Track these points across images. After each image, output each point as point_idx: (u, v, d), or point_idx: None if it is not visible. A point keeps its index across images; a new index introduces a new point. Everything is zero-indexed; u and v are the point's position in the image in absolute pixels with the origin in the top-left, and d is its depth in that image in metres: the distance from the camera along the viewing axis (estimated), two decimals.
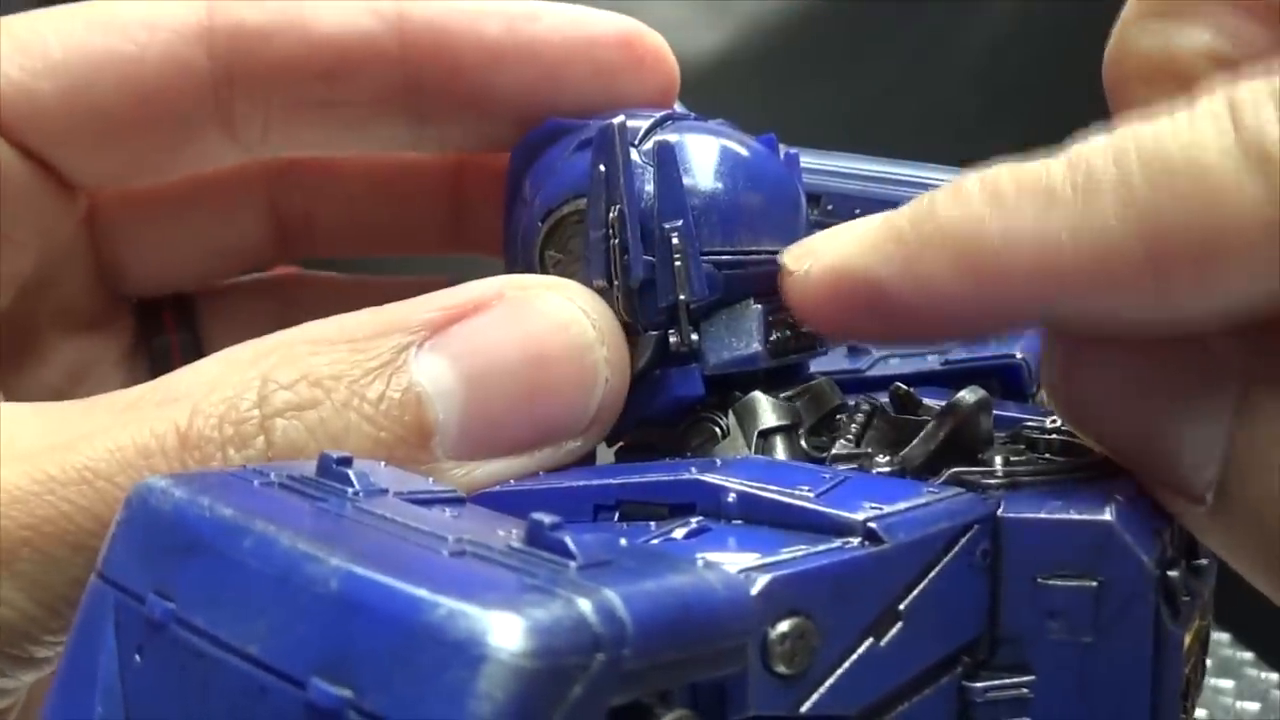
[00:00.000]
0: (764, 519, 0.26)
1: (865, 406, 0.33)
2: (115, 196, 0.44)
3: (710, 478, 0.27)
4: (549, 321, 0.31)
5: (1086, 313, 0.26)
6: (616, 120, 0.32)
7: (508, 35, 0.39)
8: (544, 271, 0.35)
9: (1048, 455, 0.32)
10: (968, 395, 0.32)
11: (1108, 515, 0.27)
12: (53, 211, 0.41)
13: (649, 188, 0.32)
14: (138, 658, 0.21)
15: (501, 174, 0.39)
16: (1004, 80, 0.86)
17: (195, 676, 0.20)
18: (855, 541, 0.24)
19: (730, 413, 0.33)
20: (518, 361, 0.30)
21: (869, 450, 0.32)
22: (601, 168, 0.32)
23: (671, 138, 0.33)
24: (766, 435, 0.33)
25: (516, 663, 0.16)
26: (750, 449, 0.32)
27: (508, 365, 0.30)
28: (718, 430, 0.33)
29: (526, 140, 0.38)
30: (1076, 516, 0.27)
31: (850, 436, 0.32)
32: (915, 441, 0.31)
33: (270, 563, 0.20)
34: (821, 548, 0.24)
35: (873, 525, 0.25)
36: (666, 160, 0.32)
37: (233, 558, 0.20)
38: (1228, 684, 0.63)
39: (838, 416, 0.34)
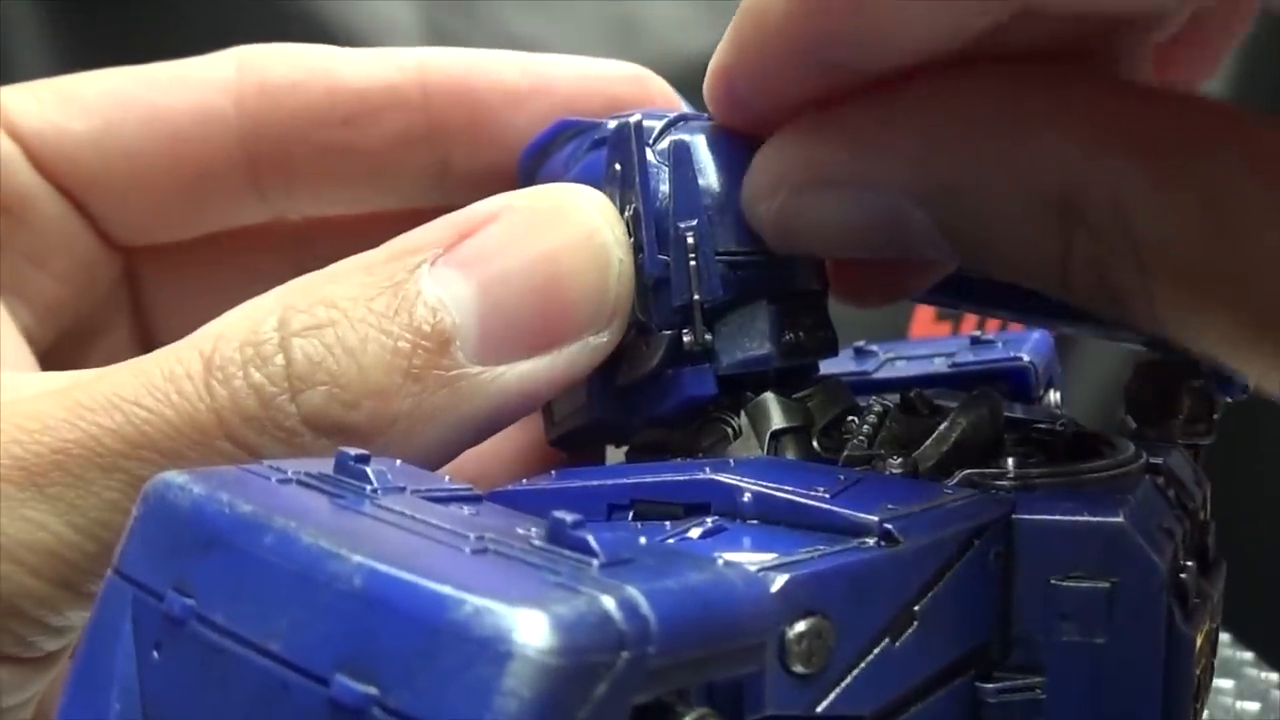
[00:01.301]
0: (779, 519, 0.26)
1: (877, 408, 0.33)
2: (152, 257, 0.45)
3: (725, 478, 0.27)
4: (554, 216, 0.32)
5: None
6: (633, 119, 0.32)
7: (524, 77, 0.41)
8: None
9: (1059, 458, 0.33)
10: (980, 397, 0.32)
11: (1120, 517, 0.27)
12: (89, 252, 0.42)
13: (664, 187, 0.32)
14: (155, 654, 0.21)
15: None
16: None
17: (215, 673, 0.20)
18: (871, 542, 0.25)
19: (743, 413, 0.33)
20: (528, 259, 0.31)
21: (882, 451, 0.32)
22: (617, 166, 0.32)
23: (686, 137, 0.33)
24: (778, 436, 0.33)
25: (542, 660, 0.16)
26: (763, 450, 0.32)
27: (519, 264, 0.31)
28: (730, 431, 0.33)
29: (537, 141, 0.38)
30: (1089, 518, 0.27)
31: (863, 438, 0.32)
32: (928, 443, 0.31)
33: (291, 559, 0.19)
34: (838, 548, 0.24)
35: (888, 526, 0.25)
36: (682, 160, 0.32)
37: (253, 554, 0.20)
38: (1228, 684, 0.63)
39: (849, 418, 0.34)
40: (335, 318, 0.30)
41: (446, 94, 0.40)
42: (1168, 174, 0.25)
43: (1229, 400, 0.37)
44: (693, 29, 0.87)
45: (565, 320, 0.31)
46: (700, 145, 0.33)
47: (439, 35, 0.88)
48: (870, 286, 0.37)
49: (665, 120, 0.34)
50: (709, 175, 0.33)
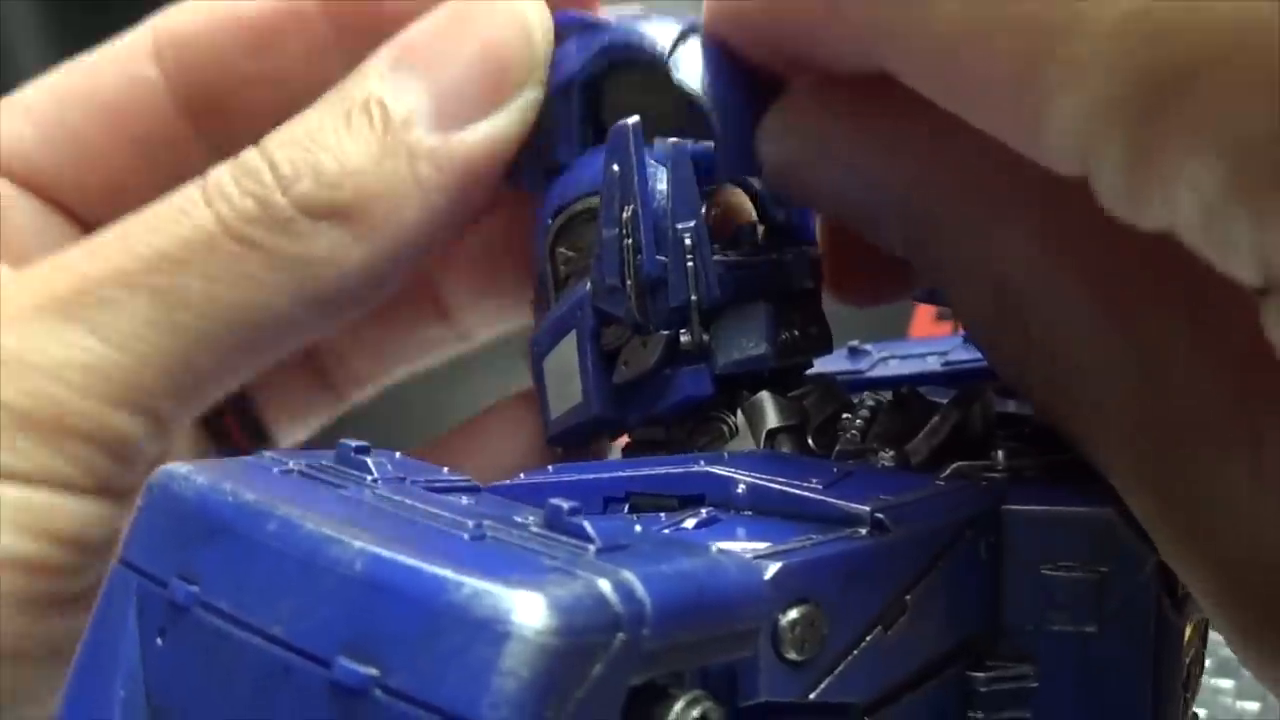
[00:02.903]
0: (773, 510, 0.26)
1: (870, 403, 0.34)
2: None
3: (719, 470, 0.27)
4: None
5: None
6: (631, 120, 0.32)
7: None
8: (554, 269, 0.35)
9: (1050, 450, 0.33)
10: (971, 392, 0.33)
11: (1109, 507, 0.28)
12: (68, 240, 0.44)
13: (662, 187, 0.32)
14: (159, 641, 0.22)
15: None
16: None
17: (218, 658, 0.20)
18: (863, 531, 0.25)
19: (739, 412, 0.33)
20: (460, 35, 0.35)
21: (874, 445, 0.32)
22: (615, 168, 0.32)
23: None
24: (774, 434, 0.33)
25: (540, 640, 0.17)
26: (759, 448, 0.33)
27: (453, 41, 0.35)
28: (726, 429, 0.33)
29: None
30: (1079, 509, 0.28)
31: (855, 432, 0.33)
32: (919, 437, 0.32)
33: (294, 545, 0.20)
34: (830, 537, 0.24)
35: (880, 515, 0.25)
36: (680, 161, 0.33)
37: (256, 541, 0.21)
38: (1228, 684, 0.63)
39: (843, 415, 0.34)
40: (309, 129, 0.34)
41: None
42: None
43: None
44: None
45: (503, 79, 0.35)
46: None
47: None
48: (863, 285, 0.37)
49: (677, 32, 0.34)
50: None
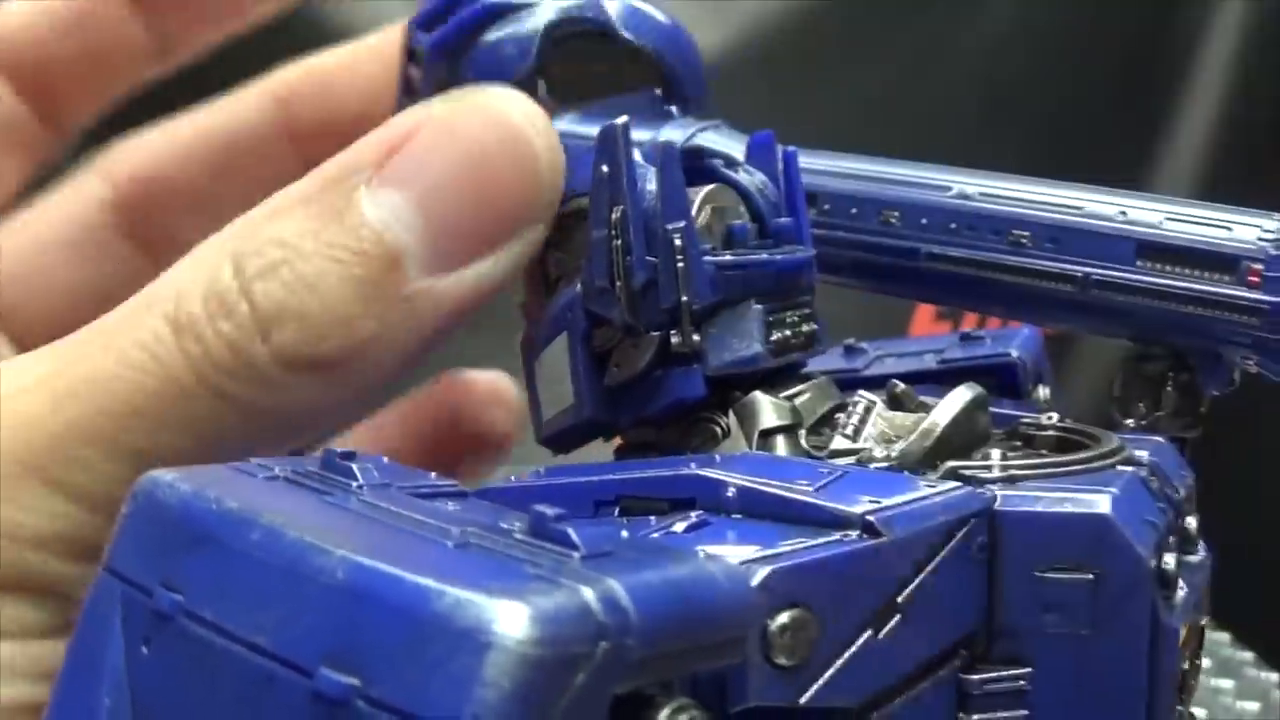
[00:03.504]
0: (763, 513, 0.26)
1: (863, 403, 0.34)
2: None
3: (710, 473, 0.27)
4: (477, 120, 0.33)
5: None
6: (620, 121, 0.32)
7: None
8: (545, 271, 0.35)
9: (1043, 451, 0.33)
10: (964, 391, 0.33)
11: (1104, 508, 0.28)
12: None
13: (651, 187, 0.32)
14: (144, 649, 0.21)
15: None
16: (1004, 80, 0.86)
17: (202, 667, 0.20)
18: (854, 535, 0.25)
19: (731, 413, 0.33)
20: (457, 165, 0.32)
21: (867, 446, 0.32)
22: (604, 168, 0.32)
23: (675, 136, 0.33)
24: (767, 435, 0.33)
25: (522, 650, 0.17)
26: (752, 449, 0.33)
27: (449, 172, 0.32)
28: (718, 431, 0.33)
29: (435, 15, 0.38)
30: (1073, 510, 0.28)
31: (848, 432, 0.33)
32: (913, 437, 0.31)
33: (277, 554, 0.20)
34: (820, 540, 0.24)
35: (871, 518, 0.25)
36: (669, 162, 0.32)
37: (240, 550, 0.20)
38: (1228, 684, 0.63)
39: (837, 415, 0.34)
40: (288, 256, 0.31)
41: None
42: None
43: (1215, 394, 0.38)
44: (693, 29, 0.88)
45: (502, 219, 0.33)
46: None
47: None
48: None
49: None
50: None
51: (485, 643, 0.17)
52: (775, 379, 0.34)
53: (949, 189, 0.39)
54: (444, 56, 0.37)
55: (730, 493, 0.26)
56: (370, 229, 0.31)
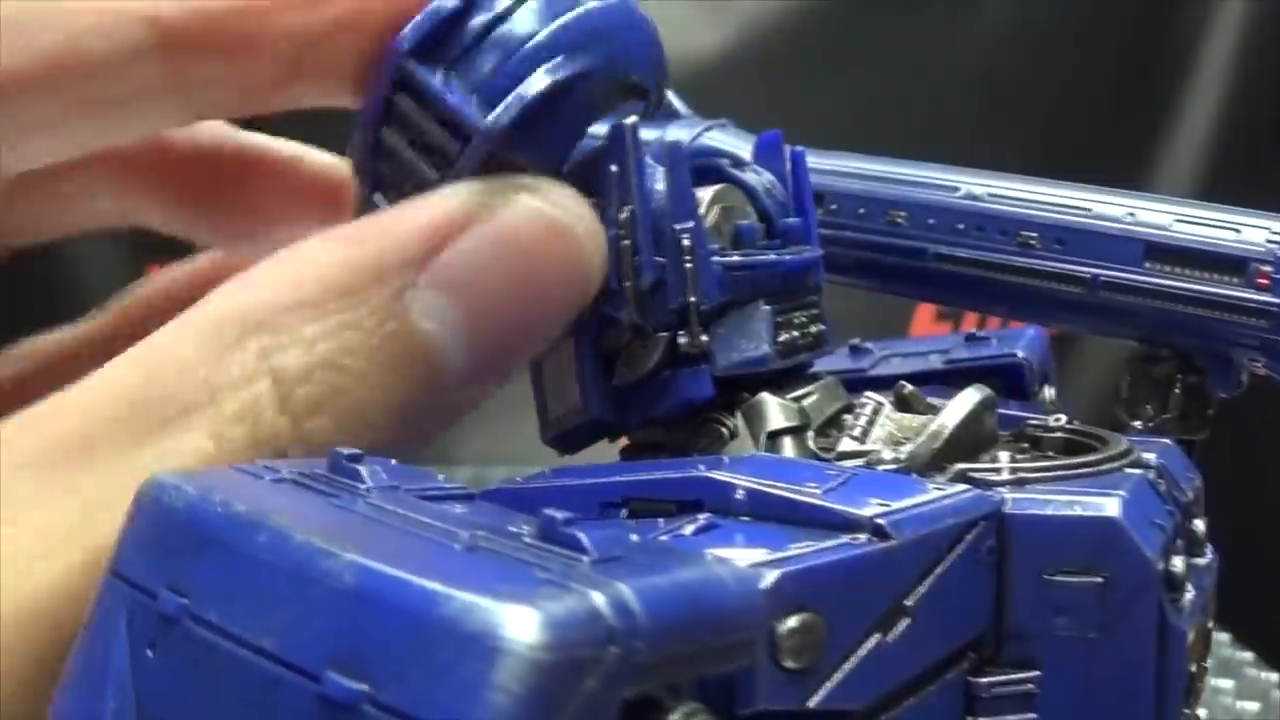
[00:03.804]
0: (772, 515, 0.26)
1: (871, 405, 0.33)
2: None
3: (718, 475, 0.27)
4: (530, 226, 0.31)
5: None
6: (628, 121, 0.32)
7: None
8: None
9: (1051, 453, 0.33)
10: (972, 393, 0.33)
11: (1112, 511, 0.27)
12: None
13: (659, 186, 0.32)
14: (150, 653, 0.21)
15: None
16: (1004, 80, 0.86)
17: (208, 671, 0.20)
18: (863, 538, 0.25)
19: (738, 414, 0.33)
20: (512, 277, 0.30)
21: (875, 448, 0.32)
22: (613, 168, 0.32)
23: (682, 135, 0.33)
24: (775, 437, 0.33)
25: (531, 655, 0.16)
26: (759, 450, 0.32)
27: (504, 284, 0.30)
28: (725, 432, 0.33)
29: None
30: (1081, 513, 0.28)
31: (856, 434, 0.33)
32: (921, 439, 0.31)
33: (285, 557, 0.20)
34: (829, 544, 0.24)
35: (880, 521, 0.25)
36: (678, 162, 0.32)
37: (247, 553, 0.20)
38: (1228, 684, 0.63)
39: (844, 416, 0.34)
40: (343, 384, 0.29)
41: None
42: None
43: (1223, 396, 0.37)
44: (693, 29, 0.88)
45: (550, 324, 0.32)
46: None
47: None
48: None
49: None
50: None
51: (493, 647, 0.17)
52: (783, 380, 0.34)
53: (957, 189, 0.39)
54: (526, 137, 0.32)
55: (738, 495, 0.26)
56: (423, 346, 0.29)
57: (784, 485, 0.26)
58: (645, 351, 0.33)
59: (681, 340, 0.32)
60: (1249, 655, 0.66)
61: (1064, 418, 0.35)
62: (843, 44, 0.87)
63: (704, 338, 0.32)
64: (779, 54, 0.86)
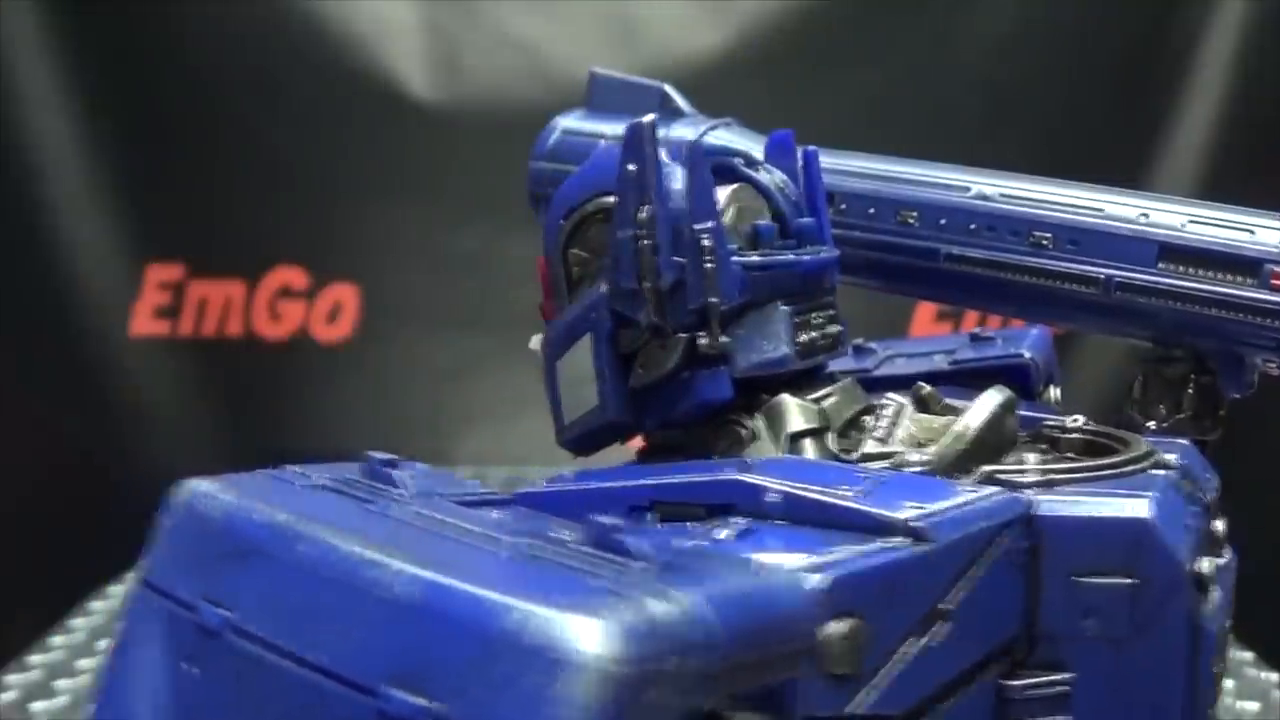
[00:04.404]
0: (805, 519, 0.26)
1: (893, 406, 0.33)
2: None
3: (749, 478, 0.27)
4: None
5: None
6: (646, 119, 0.31)
7: None
8: (568, 271, 0.35)
9: (1071, 454, 0.33)
10: (994, 394, 0.32)
11: (1144, 513, 0.27)
12: None
13: (678, 186, 0.32)
14: (189, 666, 0.21)
15: None
16: (1006, 79, 0.86)
17: (252, 684, 0.20)
18: (899, 541, 0.24)
19: (758, 416, 0.33)
20: None
21: (899, 449, 0.32)
22: (631, 167, 0.31)
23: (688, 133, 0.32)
24: (796, 439, 0.32)
25: (596, 667, 0.16)
26: (779, 452, 0.32)
27: None
28: (745, 433, 0.33)
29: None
30: (1113, 515, 0.28)
31: (879, 435, 0.32)
32: (946, 440, 0.31)
33: (330, 568, 0.19)
34: (869, 548, 0.24)
35: (917, 525, 0.25)
36: (698, 162, 0.32)
37: (289, 563, 0.20)
38: (1227, 684, 0.63)
39: (864, 418, 0.34)
40: None
41: None
42: None
43: (1235, 396, 0.37)
44: (693, 29, 0.87)
45: None
46: None
47: (439, 35, 0.88)
48: None
49: None
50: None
51: (558, 660, 0.16)
52: (801, 381, 0.34)
53: (968, 189, 0.39)
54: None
55: (772, 498, 0.26)
56: None
57: (817, 488, 0.26)
58: (664, 353, 0.32)
59: (701, 341, 0.32)
60: (1249, 655, 0.67)
61: (1081, 418, 0.34)
62: (843, 44, 0.87)
63: (723, 339, 0.32)
64: (780, 54, 0.86)
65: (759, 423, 0.33)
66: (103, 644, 0.60)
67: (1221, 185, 0.39)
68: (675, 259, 0.31)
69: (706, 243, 0.31)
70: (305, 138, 0.88)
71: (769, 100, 0.81)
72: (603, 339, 0.33)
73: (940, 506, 0.26)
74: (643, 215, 0.31)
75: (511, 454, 0.90)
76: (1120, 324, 0.38)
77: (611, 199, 0.32)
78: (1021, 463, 0.30)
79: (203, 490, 0.22)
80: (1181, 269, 0.35)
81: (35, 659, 0.59)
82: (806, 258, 0.34)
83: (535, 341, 0.36)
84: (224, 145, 0.89)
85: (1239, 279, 0.34)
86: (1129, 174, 0.85)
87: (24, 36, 0.87)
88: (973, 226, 0.39)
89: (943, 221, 0.39)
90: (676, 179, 0.32)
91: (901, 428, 0.33)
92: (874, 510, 0.25)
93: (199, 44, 0.89)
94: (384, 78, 0.87)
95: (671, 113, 0.42)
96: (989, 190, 0.39)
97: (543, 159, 0.42)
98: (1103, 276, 0.36)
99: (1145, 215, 0.36)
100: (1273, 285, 0.34)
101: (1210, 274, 0.35)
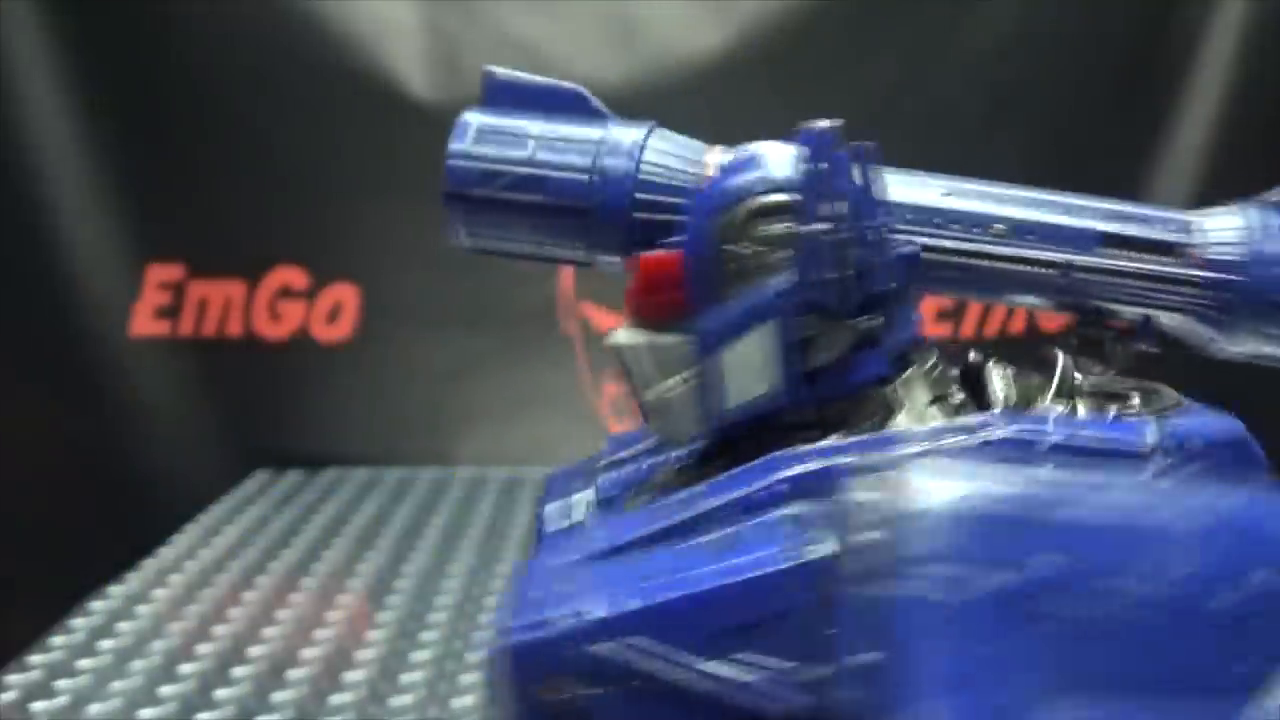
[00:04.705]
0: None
1: (999, 372, 0.38)
2: None
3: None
4: None
5: None
6: (831, 123, 0.35)
7: None
8: (720, 269, 0.36)
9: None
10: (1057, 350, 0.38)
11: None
12: None
13: (860, 184, 0.35)
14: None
15: None
16: (1005, 80, 0.87)
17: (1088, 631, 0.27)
18: None
19: (897, 389, 0.36)
20: None
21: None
22: (818, 166, 0.35)
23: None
24: (929, 404, 0.36)
25: None
26: (922, 420, 0.36)
27: None
28: (891, 404, 0.36)
29: None
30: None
31: (1000, 396, 0.37)
32: (1086, 386, 0.37)
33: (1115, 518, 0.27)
34: None
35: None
36: (871, 162, 0.36)
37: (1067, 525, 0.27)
38: None
39: (951, 386, 0.37)
40: None
41: None
42: None
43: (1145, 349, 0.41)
44: (693, 29, 0.88)
45: None
46: None
47: (439, 35, 0.88)
48: None
49: None
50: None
51: None
52: (910, 353, 0.37)
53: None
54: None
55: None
56: None
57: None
58: (840, 337, 0.35)
59: (868, 324, 0.35)
60: None
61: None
62: (844, 44, 0.87)
63: (881, 319, 0.35)
64: (781, 54, 0.87)
65: (900, 394, 0.37)
66: (103, 644, 0.60)
67: (1221, 185, 0.41)
68: (863, 251, 0.35)
69: (879, 237, 0.35)
70: (305, 138, 0.88)
71: (770, 100, 0.82)
72: (786, 327, 0.36)
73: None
74: (833, 211, 0.35)
75: (511, 454, 0.90)
76: (1070, 298, 0.41)
77: (778, 196, 0.36)
78: (1129, 400, 0.36)
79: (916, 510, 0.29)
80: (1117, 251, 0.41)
81: (35, 659, 0.58)
82: (915, 248, 0.38)
83: (622, 336, 0.38)
84: (224, 145, 0.88)
85: (1160, 257, 0.40)
86: (1129, 173, 0.87)
87: (24, 37, 0.86)
88: (937, 221, 0.41)
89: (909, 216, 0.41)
90: (858, 177, 0.36)
91: (998, 388, 0.37)
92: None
93: (199, 44, 0.88)
94: (384, 78, 0.87)
95: (592, 113, 0.42)
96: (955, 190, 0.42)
97: (461, 157, 0.41)
98: (1062, 260, 0.40)
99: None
100: (1189, 259, 0.40)
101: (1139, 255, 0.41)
